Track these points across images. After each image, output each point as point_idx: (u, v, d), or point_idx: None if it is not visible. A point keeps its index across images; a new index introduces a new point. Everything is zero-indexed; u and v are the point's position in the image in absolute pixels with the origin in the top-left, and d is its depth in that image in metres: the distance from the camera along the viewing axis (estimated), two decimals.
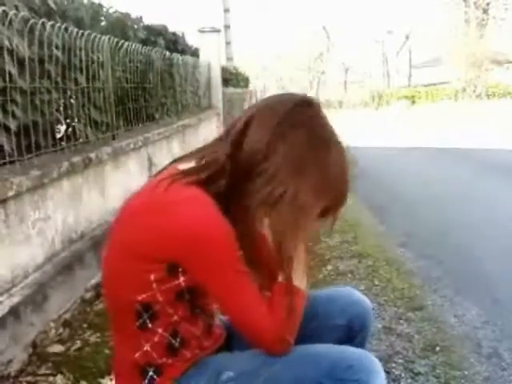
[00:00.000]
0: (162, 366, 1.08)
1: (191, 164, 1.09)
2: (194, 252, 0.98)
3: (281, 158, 1.01)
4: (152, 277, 1.01)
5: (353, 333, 1.33)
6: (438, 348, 2.29)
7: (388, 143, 11.50)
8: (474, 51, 19.14)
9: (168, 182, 1.02)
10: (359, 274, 3.26)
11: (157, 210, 1.01)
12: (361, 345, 1.35)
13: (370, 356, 1.12)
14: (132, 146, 3.95)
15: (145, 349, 1.06)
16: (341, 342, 1.29)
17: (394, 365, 2.17)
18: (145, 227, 1.01)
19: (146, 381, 1.08)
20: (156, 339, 1.06)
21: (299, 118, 1.05)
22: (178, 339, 1.08)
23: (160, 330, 1.05)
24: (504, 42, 27.47)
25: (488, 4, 27.28)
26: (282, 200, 1.01)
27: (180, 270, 1.01)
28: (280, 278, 1.09)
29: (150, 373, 1.07)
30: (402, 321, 2.56)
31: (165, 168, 1.16)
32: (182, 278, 1.02)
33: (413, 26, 35.50)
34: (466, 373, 2.10)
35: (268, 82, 35.63)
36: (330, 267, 3.41)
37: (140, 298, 1.03)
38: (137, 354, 1.07)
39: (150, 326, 1.05)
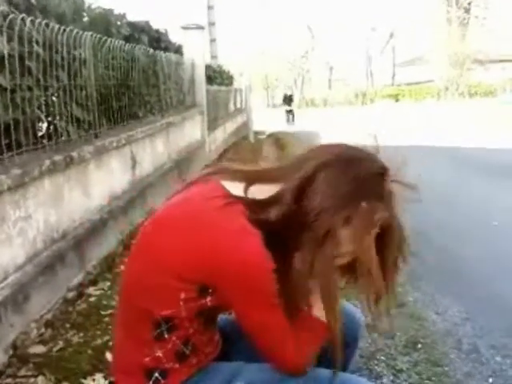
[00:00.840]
0: (169, 370, 1.08)
1: (239, 184, 1.06)
2: (234, 284, 0.98)
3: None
4: (182, 295, 1.00)
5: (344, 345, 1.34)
6: (419, 345, 2.32)
7: (373, 141, 11.54)
8: (456, 50, 19.35)
9: (221, 203, 1.00)
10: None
11: (203, 232, 0.98)
12: (348, 359, 1.36)
13: None
14: (115, 144, 3.91)
15: (157, 355, 1.06)
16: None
17: (376, 362, 2.19)
18: (185, 246, 0.99)
19: (151, 382, 1.08)
20: (169, 346, 1.06)
21: (373, 191, 1.02)
22: (190, 347, 1.08)
23: (174, 339, 1.06)
24: (485, 42, 27.84)
25: (470, 3, 27.58)
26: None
27: (210, 291, 1.01)
28: (307, 311, 1.09)
29: (156, 374, 1.07)
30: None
31: (205, 176, 1.13)
32: (208, 298, 1.02)
33: (396, 25, 35.74)
34: (446, 369, 2.14)
35: (253, 80, 35.59)
36: None
37: (164, 312, 1.02)
38: (147, 359, 1.07)
39: (166, 336, 1.05)
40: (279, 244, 1.00)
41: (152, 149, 5.08)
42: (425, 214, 4.91)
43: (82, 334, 2.42)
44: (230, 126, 12.41)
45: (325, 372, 1.13)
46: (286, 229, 1.00)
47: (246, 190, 1.05)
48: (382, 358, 2.22)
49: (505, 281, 3.12)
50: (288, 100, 22.00)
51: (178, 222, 1.03)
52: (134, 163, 4.41)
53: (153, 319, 1.04)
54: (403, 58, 37.32)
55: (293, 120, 21.07)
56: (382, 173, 1.04)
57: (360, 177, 1.01)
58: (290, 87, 41.24)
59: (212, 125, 8.97)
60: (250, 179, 1.08)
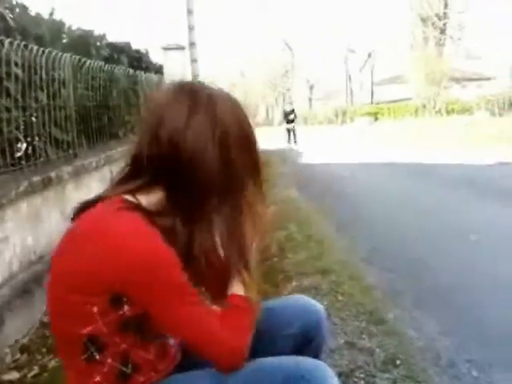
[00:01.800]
0: None
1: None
2: (143, 286, 0.97)
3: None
4: (95, 309, 0.98)
5: (307, 341, 1.33)
6: (398, 361, 2.33)
7: (352, 159, 11.71)
8: (432, 69, 19.78)
9: (116, 209, 1.00)
10: (323, 289, 3.29)
11: (98, 241, 0.98)
12: (316, 353, 1.36)
13: (322, 365, 1.12)
14: (94, 164, 3.91)
15: (96, 380, 1.03)
16: (296, 350, 1.30)
17: (355, 379, 2.19)
18: (85, 258, 0.98)
19: None
20: (106, 369, 1.03)
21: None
22: (130, 366, 1.05)
23: (109, 360, 1.02)
24: (461, 61, 28.56)
25: (445, 24, 28.33)
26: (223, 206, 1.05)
27: (124, 300, 0.99)
28: (230, 291, 1.11)
29: None
30: (363, 335, 2.59)
31: (107, 192, 1.13)
32: (126, 308, 0.99)
33: (375, 45, 36.48)
34: None
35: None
36: (294, 283, 3.44)
37: (85, 331, 0.99)
38: None
39: (97, 357, 1.02)
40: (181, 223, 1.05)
41: None
42: (403, 230, 4.99)
43: (58, 359, 2.38)
44: None
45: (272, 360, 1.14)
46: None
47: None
48: (361, 375, 2.22)
49: (482, 295, 3.16)
50: (288, 116, 18.46)
51: (78, 238, 1.02)
52: None
53: (79, 342, 1.01)
54: (382, 76, 38.03)
55: (294, 140, 18.15)
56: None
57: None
58: (272, 105, 41.65)
59: None
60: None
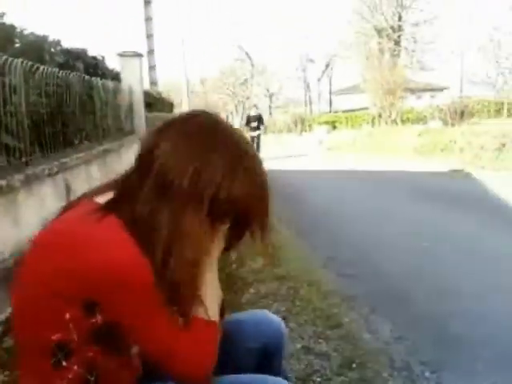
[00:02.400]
0: None
1: (110, 194, 1.06)
2: (112, 293, 0.96)
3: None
4: (67, 315, 0.97)
5: (269, 355, 1.35)
6: (354, 365, 2.37)
7: (309, 167, 11.87)
8: (388, 80, 20.32)
9: (92, 217, 0.99)
10: (281, 295, 3.31)
11: (73, 248, 0.97)
12: (278, 366, 1.38)
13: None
14: (47, 172, 3.81)
15: None
16: (258, 365, 1.32)
17: None
18: (60, 265, 0.97)
19: None
20: (70, 376, 1.01)
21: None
22: (94, 374, 1.04)
23: (75, 367, 1.01)
24: (415, 72, 29.48)
25: (399, 36, 29.24)
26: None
27: (97, 308, 0.98)
28: (195, 310, 1.08)
29: None
30: (320, 340, 2.63)
31: (79, 199, 1.12)
32: (98, 317, 0.99)
33: (333, 55, 37.18)
34: None
35: (194, 107, 35.68)
36: (252, 290, 3.44)
37: (54, 337, 0.98)
38: None
39: (64, 364, 1.00)
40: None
41: (88, 176, 4.97)
42: (358, 236, 5.08)
43: (7, 373, 2.30)
44: None
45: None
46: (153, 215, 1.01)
47: (115, 193, 1.06)
48: (318, 379, 2.25)
49: (435, 299, 3.26)
50: (251, 123, 15.31)
51: (50, 244, 1.01)
52: (68, 191, 4.29)
53: (46, 347, 0.99)
54: (340, 86, 38.80)
55: (257, 149, 16.14)
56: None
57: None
58: (231, 113, 41.73)
59: None
60: (118, 185, 1.08)
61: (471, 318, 2.91)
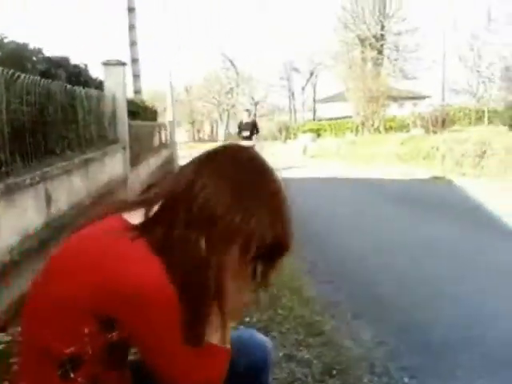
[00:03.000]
0: None
1: (138, 212, 1.07)
2: (135, 313, 0.97)
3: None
4: (86, 330, 0.98)
5: (254, 375, 1.36)
6: (334, 371, 2.39)
7: (293, 174, 11.90)
8: (370, 88, 20.54)
9: (121, 236, 1.00)
10: (263, 304, 3.32)
11: (102, 264, 0.98)
12: (264, 381, 1.39)
13: None
14: (28, 181, 3.77)
15: None
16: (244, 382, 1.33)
17: None
18: (86, 280, 0.98)
19: None
20: None
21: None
22: None
23: (80, 379, 1.02)
24: (398, 80, 29.84)
25: (382, 45, 29.59)
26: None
27: (114, 324, 0.99)
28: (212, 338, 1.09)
29: None
30: (302, 347, 2.64)
31: (105, 215, 1.12)
32: (114, 333, 1.00)
33: (317, 64, 37.48)
34: None
35: (179, 115, 35.66)
36: None
37: (68, 350, 0.99)
38: None
39: (72, 375, 1.01)
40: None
41: (70, 185, 4.94)
42: (344, 242, 5.12)
43: None
44: (155, 162, 12.31)
45: None
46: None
47: (146, 215, 1.06)
48: None
49: (415, 305, 3.30)
50: (243, 131, 13.14)
51: (80, 257, 1.02)
52: (49, 201, 4.26)
53: (57, 359, 1.00)
54: (324, 94, 39.11)
55: None
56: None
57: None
58: (216, 121, 41.76)
59: (135, 160, 8.87)
60: (148, 203, 1.09)
61: (451, 324, 2.95)
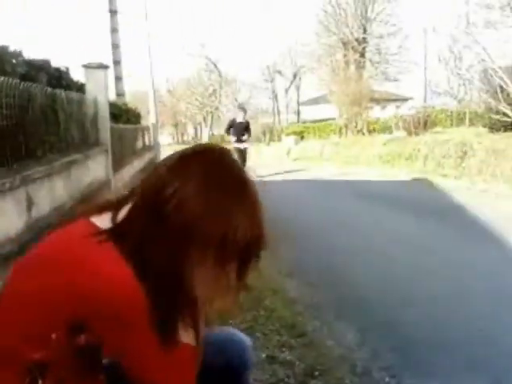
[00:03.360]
0: None
1: (106, 216, 1.05)
2: (103, 316, 0.95)
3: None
4: (53, 336, 0.96)
5: (234, 374, 1.36)
6: (317, 372, 2.41)
7: (277, 177, 11.94)
8: (353, 90, 20.70)
9: (81, 241, 0.99)
10: (246, 305, 3.32)
11: (70, 266, 0.96)
12: (244, 378, 1.39)
13: None
14: (8, 185, 3.73)
15: None
16: (223, 382, 1.33)
17: None
18: (54, 282, 0.96)
19: None
20: None
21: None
22: None
23: None
24: (380, 83, 30.13)
25: (364, 48, 29.85)
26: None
27: (83, 328, 0.97)
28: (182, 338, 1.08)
29: None
30: (284, 348, 2.65)
31: (75, 219, 1.10)
32: (84, 336, 0.97)
33: (300, 66, 37.66)
34: None
35: (162, 117, 35.51)
36: None
37: (36, 355, 0.96)
38: None
39: (40, 382, 0.99)
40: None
41: (51, 189, 4.89)
42: (326, 243, 5.15)
43: None
44: (138, 164, 12.25)
45: None
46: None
47: (113, 218, 1.05)
48: None
49: (396, 306, 3.33)
50: (239, 131, 11.56)
51: (49, 260, 1.01)
52: (30, 204, 4.21)
53: (23, 364, 0.98)
54: (308, 96, 39.30)
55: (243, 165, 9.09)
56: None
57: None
58: (200, 124, 41.60)
59: (118, 163, 8.82)
60: (117, 206, 1.08)
61: (432, 324, 2.99)
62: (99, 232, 1.02)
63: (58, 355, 0.99)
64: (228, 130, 11.88)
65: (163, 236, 0.98)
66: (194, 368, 1.10)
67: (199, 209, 0.98)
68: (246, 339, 1.41)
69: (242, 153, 11.10)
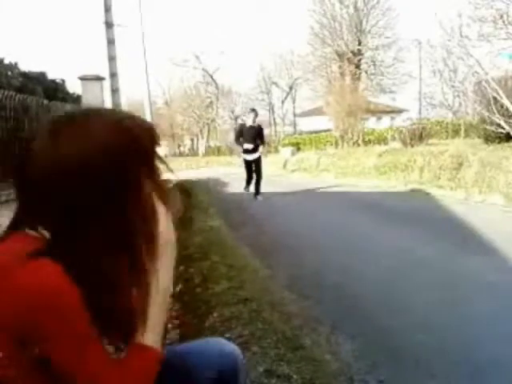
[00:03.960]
0: None
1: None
2: (42, 323, 0.91)
3: None
4: (0, 354, 0.92)
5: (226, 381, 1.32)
6: None
7: (274, 188, 11.95)
8: (349, 102, 20.85)
9: (19, 247, 0.96)
10: (244, 318, 3.29)
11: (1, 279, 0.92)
12: None
13: None
14: (4, 198, 3.72)
15: None
16: None
17: None
18: None
19: None
20: None
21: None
22: None
23: None
24: (376, 94, 30.36)
25: (359, 60, 30.13)
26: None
27: (31, 341, 0.92)
28: (137, 338, 1.03)
29: None
30: (282, 362, 2.62)
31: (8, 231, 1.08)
32: (36, 347, 0.93)
33: (296, 78, 37.90)
34: None
35: (159, 129, 35.49)
36: (215, 314, 3.42)
37: None
38: None
39: None
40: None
41: None
42: (324, 256, 5.13)
43: None
44: None
45: None
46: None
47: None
48: None
49: (394, 319, 3.32)
50: (247, 141, 9.71)
51: None
52: None
53: None
54: (304, 108, 39.52)
55: (257, 189, 9.74)
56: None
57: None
58: (196, 135, 41.69)
59: None
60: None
61: (429, 335, 2.98)
62: (31, 239, 0.99)
63: (18, 372, 0.94)
64: (238, 139, 9.83)
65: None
66: (151, 372, 1.03)
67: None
68: (236, 349, 1.37)
69: (255, 165, 9.70)
